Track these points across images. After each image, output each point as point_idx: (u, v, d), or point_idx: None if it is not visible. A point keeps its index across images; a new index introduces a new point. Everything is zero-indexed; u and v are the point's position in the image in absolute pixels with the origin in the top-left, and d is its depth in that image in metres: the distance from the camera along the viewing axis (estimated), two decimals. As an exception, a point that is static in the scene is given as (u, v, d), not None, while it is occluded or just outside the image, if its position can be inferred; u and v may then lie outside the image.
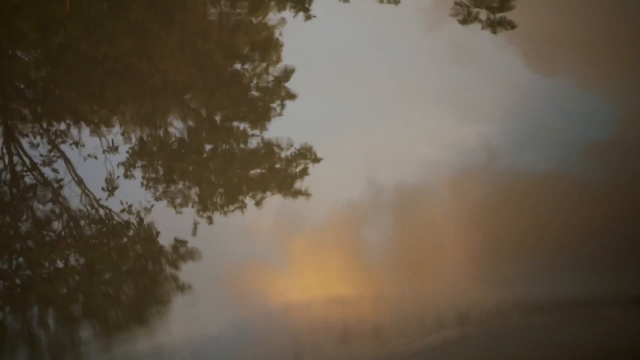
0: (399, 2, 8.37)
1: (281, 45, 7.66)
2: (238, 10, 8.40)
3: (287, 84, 7.11)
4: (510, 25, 7.91)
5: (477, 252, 5.29)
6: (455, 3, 8.30)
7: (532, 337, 4.64)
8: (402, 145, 6.33)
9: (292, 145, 6.18)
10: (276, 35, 7.89)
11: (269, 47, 7.75)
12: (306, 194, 5.73)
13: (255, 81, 7.17)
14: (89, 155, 6.05)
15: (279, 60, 7.44)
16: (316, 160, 6.07)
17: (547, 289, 4.91)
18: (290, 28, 7.97)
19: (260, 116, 6.65)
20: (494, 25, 7.95)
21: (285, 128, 6.54)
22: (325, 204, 5.71)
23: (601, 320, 4.71)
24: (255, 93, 7.01)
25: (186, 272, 5.26)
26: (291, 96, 6.90)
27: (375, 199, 5.83)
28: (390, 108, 6.77)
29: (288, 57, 7.50)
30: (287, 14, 8.19)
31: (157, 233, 5.45)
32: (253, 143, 6.27)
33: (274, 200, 5.82)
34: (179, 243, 5.40)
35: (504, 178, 5.96)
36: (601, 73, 7.29)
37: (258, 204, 5.68)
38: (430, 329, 4.75)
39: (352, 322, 4.84)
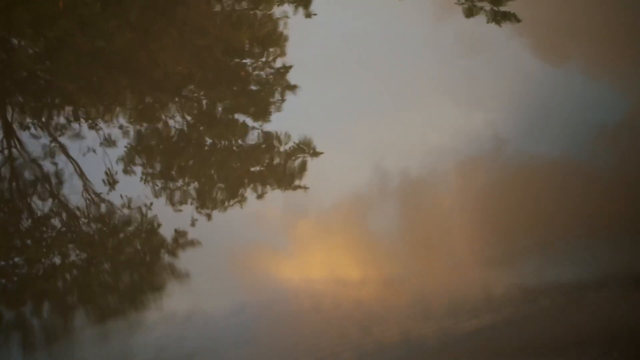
0: (401, -1, 8.57)
1: (285, 39, 7.90)
2: (243, 4, 8.60)
3: (294, 74, 7.29)
4: (514, 17, 8.09)
5: (485, 237, 5.44)
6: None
7: (539, 321, 4.81)
8: (410, 132, 6.49)
9: (290, 138, 6.36)
10: (280, 28, 8.10)
11: (273, 40, 7.98)
12: (304, 188, 5.90)
13: (257, 72, 7.36)
14: (88, 149, 6.20)
15: (283, 53, 7.65)
16: (315, 154, 6.22)
17: (555, 273, 5.07)
18: (297, 20, 8.13)
19: (262, 109, 6.82)
20: (498, 19, 8.12)
21: (293, 117, 6.70)
22: (332, 191, 5.87)
23: (609, 303, 4.89)
24: (255, 86, 7.19)
25: (192, 257, 5.43)
26: (292, 87, 7.08)
27: (383, 185, 5.98)
28: (398, 96, 6.92)
29: (296, 48, 7.66)
30: (289, 9, 8.39)
31: (159, 225, 5.65)
32: (253, 137, 6.46)
33: (278, 190, 6.01)
34: (179, 234, 5.60)
35: (512, 164, 6.11)
36: (610, 60, 7.43)
37: (260, 197, 5.85)
38: (437, 313, 4.92)
39: (359, 305, 5.03)
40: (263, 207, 5.92)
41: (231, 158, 6.25)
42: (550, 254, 5.26)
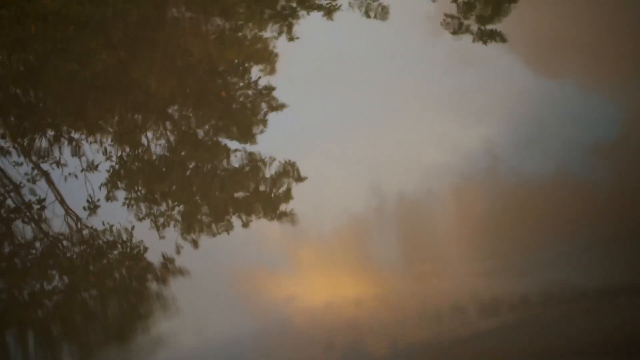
0: (386, 17, 8.88)
1: (276, 56, 8.17)
2: (234, 23, 8.91)
3: (287, 92, 7.54)
4: (500, 37, 8.38)
5: (483, 254, 5.65)
6: (446, 15, 8.78)
7: (538, 335, 5.01)
8: (405, 150, 6.70)
9: (274, 161, 6.60)
10: (270, 46, 8.40)
11: (263, 57, 8.23)
12: (291, 215, 6.13)
13: (241, 92, 7.59)
14: (69, 174, 6.40)
15: (273, 70, 7.93)
16: (299, 179, 6.42)
17: (552, 288, 5.29)
18: (296, 41, 8.49)
19: (245, 130, 7.04)
20: (484, 38, 8.41)
21: (286, 137, 6.93)
22: (329, 212, 6.07)
23: (606, 314, 5.11)
24: (238, 107, 7.42)
25: (186, 281, 5.66)
26: (279, 107, 7.32)
27: (379, 205, 6.18)
28: (392, 113, 7.16)
29: (288, 66, 7.97)
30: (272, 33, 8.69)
31: (146, 249, 5.85)
32: (237, 159, 6.68)
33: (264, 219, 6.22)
34: (167, 260, 5.81)
35: (508, 182, 6.33)
36: (605, 75, 7.70)
37: (245, 225, 6.08)
38: (438, 328, 5.13)
39: (360, 323, 5.23)
40: (261, 228, 6.15)
41: (214, 183, 6.50)
42: (548, 267, 5.50)
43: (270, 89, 7.54)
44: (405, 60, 8.03)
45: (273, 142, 6.90)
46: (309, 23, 8.79)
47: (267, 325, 5.24)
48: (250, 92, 7.53)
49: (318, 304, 5.41)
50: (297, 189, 6.41)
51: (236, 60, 8.11)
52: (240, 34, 8.72)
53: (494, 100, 7.28)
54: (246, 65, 8.02)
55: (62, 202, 6.14)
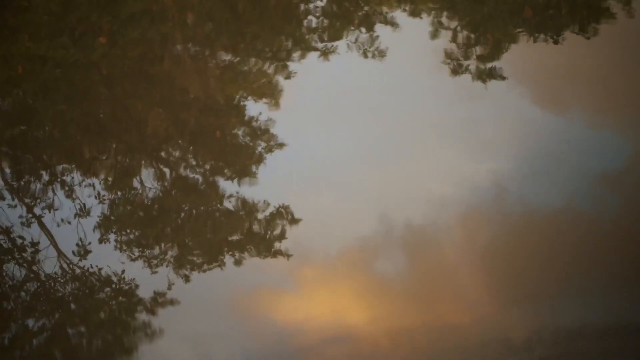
0: (384, 55, 9.36)
1: (281, 89, 8.67)
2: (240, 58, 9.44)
3: (295, 123, 8.06)
4: (500, 76, 8.81)
5: (489, 287, 5.97)
6: (446, 55, 9.24)
7: None
8: (413, 182, 7.08)
9: (268, 206, 6.93)
10: (275, 80, 8.86)
11: (267, 91, 8.68)
12: (287, 255, 6.52)
13: (236, 131, 8.02)
14: (62, 220, 6.77)
15: (277, 105, 8.42)
16: (294, 221, 6.79)
17: (559, 321, 5.60)
18: (299, 69, 9.04)
19: (241, 170, 7.45)
20: (483, 77, 8.83)
21: (296, 164, 7.42)
22: (337, 239, 6.44)
23: (614, 350, 5.45)
24: (235, 146, 7.86)
25: (194, 303, 6.07)
26: (278, 146, 7.72)
27: (386, 232, 6.54)
28: (400, 144, 7.59)
29: (297, 97, 8.51)
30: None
31: (137, 286, 6.27)
32: (231, 203, 7.07)
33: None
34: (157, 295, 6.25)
35: (517, 212, 6.66)
36: (611, 107, 8.11)
37: (237, 263, 6.45)
38: (444, 355, 5.47)
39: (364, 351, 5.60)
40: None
41: (207, 227, 6.84)
42: (555, 300, 5.80)
43: (269, 125, 8.00)
44: (412, 93, 8.49)
45: (279, 175, 7.33)
46: (312, 57, 9.38)
47: (270, 349, 5.60)
48: (247, 131, 7.97)
49: (323, 327, 5.75)
50: (303, 217, 6.78)
51: (237, 96, 8.60)
52: (245, 67, 9.25)
53: (501, 132, 7.67)
54: (250, 99, 8.53)
55: (55, 245, 6.54)
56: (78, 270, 6.34)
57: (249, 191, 7.12)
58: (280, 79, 8.90)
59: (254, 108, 8.31)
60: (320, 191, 7.07)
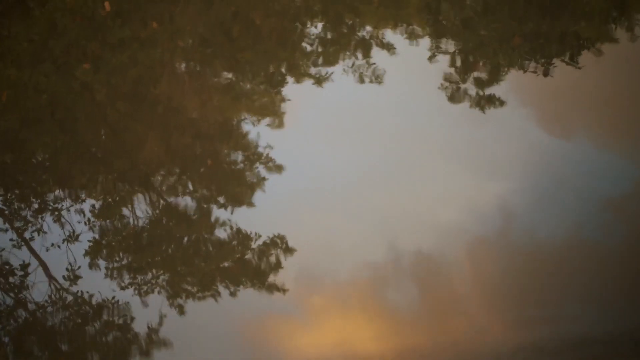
0: (381, 82, 9.76)
1: (283, 112, 9.06)
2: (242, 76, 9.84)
3: (300, 143, 8.45)
4: (499, 101, 9.18)
5: (498, 313, 6.33)
6: (445, 79, 9.63)
7: None
8: (420, 206, 7.43)
9: (259, 237, 7.22)
10: (277, 101, 9.25)
11: (270, 111, 9.08)
12: (283, 290, 6.80)
13: (233, 158, 8.37)
14: (52, 245, 7.08)
15: (281, 125, 8.84)
16: (288, 250, 7.08)
17: (569, 350, 5.94)
18: (303, 91, 9.51)
19: (237, 199, 7.77)
20: (482, 104, 9.20)
21: (300, 187, 7.76)
22: (345, 264, 6.78)
23: None
24: (234, 172, 8.20)
25: (201, 325, 6.38)
26: (277, 168, 8.05)
27: (394, 261, 6.86)
28: (408, 168, 7.97)
29: (303, 119, 8.92)
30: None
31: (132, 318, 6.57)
32: (224, 231, 7.39)
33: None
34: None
35: (524, 237, 7.02)
36: (618, 131, 8.52)
37: (233, 294, 6.75)
38: None
39: None
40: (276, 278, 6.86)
41: (198, 255, 7.12)
42: (563, 328, 6.15)
43: (267, 150, 8.38)
44: (418, 115, 8.93)
45: (282, 199, 7.67)
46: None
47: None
48: (244, 156, 8.33)
49: (331, 353, 6.08)
50: (308, 240, 7.12)
51: (236, 119, 8.99)
52: (249, 86, 9.64)
53: (507, 155, 8.05)
54: (249, 121, 8.89)
55: (46, 268, 6.85)
56: (70, 298, 6.67)
57: (251, 216, 7.47)
58: (283, 97, 9.36)
59: (253, 130, 8.69)
60: (324, 213, 7.39)
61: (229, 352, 6.15)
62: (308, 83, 9.70)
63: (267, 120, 8.91)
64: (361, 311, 6.42)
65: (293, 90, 9.54)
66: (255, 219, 7.45)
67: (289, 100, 9.32)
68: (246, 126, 8.83)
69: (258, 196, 7.82)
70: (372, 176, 7.83)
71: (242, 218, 7.46)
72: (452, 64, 9.96)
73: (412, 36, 10.76)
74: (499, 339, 6.08)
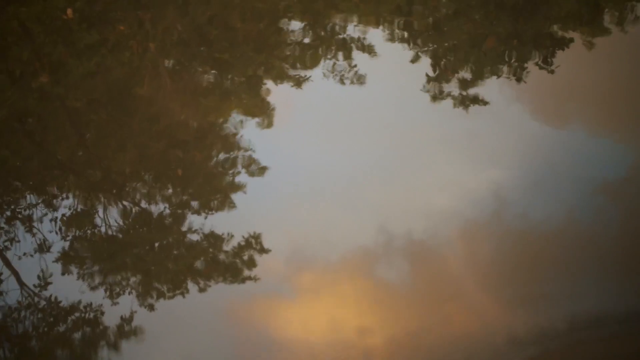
0: (363, 82, 10.22)
1: (272, 109, 9.60)
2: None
3: (297, 135, 9.02)
4: (482, 102, 9.65)
5: (491, 294, 6.82)
6: (428, 79, 10.13)
7: None
8: (414, 194, 7.95)
9: (232, 238, 7.63)
10: (268, 99, 9.82)
11: (260, 110, 9.61)
12: (255, 279, 7.21)
13: (205, 165, 8.79)
14: (24, 254, 7.46)
15: (271, 124, 9.36)
16: (263, 250, 7.49)
17: (561, 331, 6.43)
18: (294, 89, 10.09)
19: (204, 204, 8.20)
20: (466, 103, 9.65)
21: (295, 178, 8.29)
22: (338, 250, 7.30)
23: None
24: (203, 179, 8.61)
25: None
26: (260, 171, 8.51)
27: (387, 243, 7.37)
28: (402, 157, 8.50)
29: (297, 111, 9.61)
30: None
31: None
32: (196, 234, 7.76)
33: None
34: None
35: (517, 225, 7.51)
36: (612, 119, 9.11)
37: (202, 290, 7.17)
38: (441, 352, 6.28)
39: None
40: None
41: (168, 259, 7.53)
42: (556, 310, 6.64)
43: (250, 152, 8.83)
44: (412, 106, 9.55)
45: (275, 191, 8.18)
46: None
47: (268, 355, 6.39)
48: (226, 159, 8.78)
49: (322, 332, 6.56)
50: (304, 227, 7.64)
51: (220, 120, 9.44)
52: (230, 85, 10.12)
53: (501, 144, 8.59)
54: (240, 119, 9.41)
55: (17, 277, 7.22)
56: (43, 303, 7.06)
57: (249, 205, 8.02)
58: (276, 92, 9.93)
59: (239, 132, 9.21)
60: (318, 202, 7.90)
61: (218, 333, 6.61)
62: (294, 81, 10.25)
63: (256, 120, 9.46)
64: (353, 289, 6.91)
65: (280, 89, 10.12)
66: (253, 207, 7.99)
67: (274, 100, 9.85)
68: (228, 128, 9.33)
69: (255, 187, 8.34)
70: (366, 166, 8.36)
71: (240, 208, 8.04)
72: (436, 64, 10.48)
73: (392, 38, 11.29)
74: (492, 320, 6.55)
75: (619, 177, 8.06)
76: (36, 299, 7.08)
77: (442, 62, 10.52)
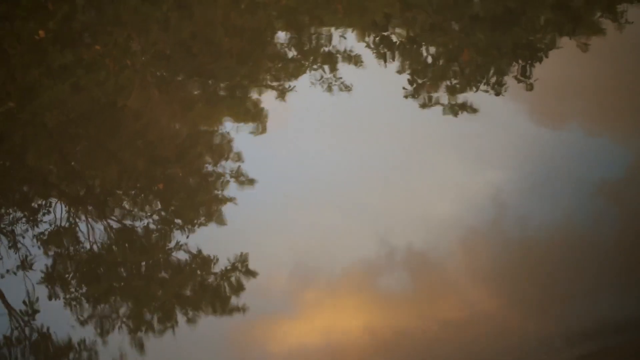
0: (350, 89, 10.63)
1: (266, 116, 10.00)
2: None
3: (293, 142, 9.40)
4: (471, 108, 10.05)
5: (492, 293, 7.14)
6: (411, 81, 10.56)
7: None
8: (412, 200, 8.29)
9: (218, 260, 7.85)
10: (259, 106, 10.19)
11: (252, 116, 10.01)
12: (243, 309, 7.50)
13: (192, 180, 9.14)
14: (7, 271, 7.72)
15: (264, 130, 9.77)
16: (249, 272, 7.74)
17: (561, 338, 6.69)
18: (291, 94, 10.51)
19: (188, 221, 8.53)
20: (455, 109, 10.05)
21: (292, 184, 8.64)
22: (339, 260, 7.58)
23: None
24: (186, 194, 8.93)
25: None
26: (249, 182, 8.85)
27: (388, 255, 7.65)
28: (399, 162, 8.89)
29: (295, 114, 10.05)
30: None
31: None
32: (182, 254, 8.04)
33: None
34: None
35: (516, 230, 7.85)
36: (609, 119, 9.51)
37: (191, 321, 7.42)
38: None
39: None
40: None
41: (154, 282, 7.75)
42: (555, 314, 6.94)
43: (239, 163, 9.16)
44: (407, 109, 10.03)
45: (274, 198, 8.51)
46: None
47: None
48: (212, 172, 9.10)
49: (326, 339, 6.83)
50: (303, 237, 7.93)
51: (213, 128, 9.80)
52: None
53: (499, 144, 8.98)
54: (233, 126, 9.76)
55: (3, 297, 7.43)
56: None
57: (245, 215, 8.33)
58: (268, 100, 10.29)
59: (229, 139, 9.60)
60: (316, 209, 8.25)
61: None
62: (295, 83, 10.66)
63: (250, 126, 9.83)
64: (354, 301, 7.19)
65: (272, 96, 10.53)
66: (249, 218, 8.31)
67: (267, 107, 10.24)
68: (219, 137, 9.69)
69: (250, 195, 8.71)
70: (364, 173, 8.73)
71: (237, 217, 8.38)
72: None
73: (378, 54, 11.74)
74: (494, 328, 6.84)
75: (617, 179, 8.40)
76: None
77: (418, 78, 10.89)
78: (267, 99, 10.45)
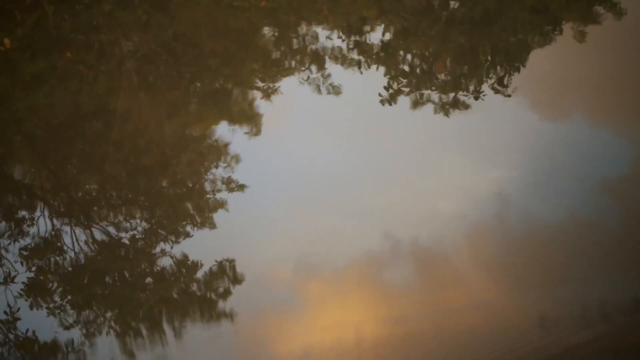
0: (340, 93, 11.08)
1: (261, 116, 10.42)
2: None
3: (296, 137, 9.85)
4: (463, 105, 10.47)
5: (496, 285, 7.49)
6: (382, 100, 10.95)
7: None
8: (416, 197, 8.66)
9: (202, 266, 8.17)
10: (256, 105, 10.65)
11: (248, 117, 10.41)
12: (230, 315, 7.84)
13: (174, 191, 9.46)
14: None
15: (259, 132, 10.17)
16: (237, 280, 8.10)
17: (566, 332, 7.02)
18: (289, 90, 11.01)
19: (173, 232, 8.88)
20: (447, 108, 10.46)
21: (296, 182, 9.06)
22: (344, 256, 7.95)
23: None
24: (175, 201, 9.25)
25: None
26: (240, 187, 9.24)
27: (392, 248, 8.00)
28: (403, 159, 9.30)
29: (297, 111, 10.48)
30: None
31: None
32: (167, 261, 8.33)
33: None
34: None
35: (521, 221, 8.21)
36: (612, 112, 9.87)
37: (178, 335, 7.65)
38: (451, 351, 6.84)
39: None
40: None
41: (137, 292, 8.02)
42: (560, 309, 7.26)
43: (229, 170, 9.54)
44: (408, 106, 10.46)
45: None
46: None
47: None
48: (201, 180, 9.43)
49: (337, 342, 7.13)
50: (308, 237, 8.27)
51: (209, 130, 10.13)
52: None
53: (503, 141, 9.33)
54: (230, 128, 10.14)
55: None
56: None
57: (254, 209, 8.70)
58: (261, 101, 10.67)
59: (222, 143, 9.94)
60: (321, 209, 8.61)
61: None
62: (288, 84, 11.13)
63: (245, 128, 10.19)
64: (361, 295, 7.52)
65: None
66: (255, 212, 8.69)
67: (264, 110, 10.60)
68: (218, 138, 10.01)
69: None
70: (369, 170, 9.08)
71: (245, 212, 8.77)
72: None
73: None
74: (499, 322, 7.18)
75: (620, 174, 8.75)
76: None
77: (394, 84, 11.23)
78: (263, 102, 10.87)
